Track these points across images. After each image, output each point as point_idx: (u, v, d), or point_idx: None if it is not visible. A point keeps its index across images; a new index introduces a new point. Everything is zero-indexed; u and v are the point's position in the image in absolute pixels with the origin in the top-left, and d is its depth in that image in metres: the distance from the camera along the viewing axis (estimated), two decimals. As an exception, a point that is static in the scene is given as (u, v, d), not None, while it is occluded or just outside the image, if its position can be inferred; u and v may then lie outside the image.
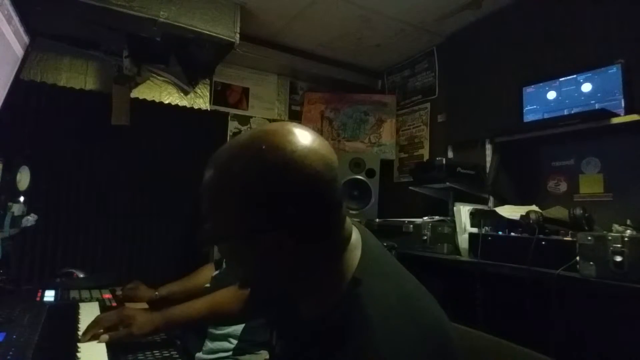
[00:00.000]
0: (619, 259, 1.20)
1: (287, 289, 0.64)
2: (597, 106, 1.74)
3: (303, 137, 0.56)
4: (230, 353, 1.32)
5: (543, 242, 1.46)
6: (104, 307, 1.26)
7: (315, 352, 0.57)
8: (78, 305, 1.23)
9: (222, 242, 0.62)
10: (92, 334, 0.90)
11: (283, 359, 0.71)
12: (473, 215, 1.90)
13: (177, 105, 2.47)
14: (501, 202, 2.06)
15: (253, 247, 0.57)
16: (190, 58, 2.34)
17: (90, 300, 1.33)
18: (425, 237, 1.94)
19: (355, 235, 0.64)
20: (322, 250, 0.59)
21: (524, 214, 1.60)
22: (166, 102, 2.43)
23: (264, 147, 0.54)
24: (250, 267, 0.61)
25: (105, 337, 0.90)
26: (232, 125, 2.79)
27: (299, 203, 0.54)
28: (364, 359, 0.50)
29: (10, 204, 1.47)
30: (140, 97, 2.34)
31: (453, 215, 1.98)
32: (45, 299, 1.27)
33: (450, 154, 2.56)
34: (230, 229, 0.57)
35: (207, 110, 2.60)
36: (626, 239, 1.21)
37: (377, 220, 2.38)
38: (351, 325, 0.53)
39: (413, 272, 0.66)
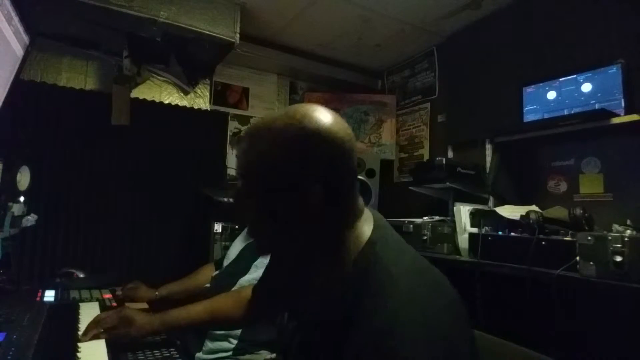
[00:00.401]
0: (619, 259, 1.20)
1: (309, 250, 0.67)
2: (597, 106, 1.74)
3: (327, 112, 0.64)
4: (230, 353, 1.32)
5: (543, 242, 1.46)
6: (104, 307, 1.26)
7: (339, 312, 0.58)
8: (78, 305, 1.23)
9: (255, 197, 0.65)
10: (92, 334, 0.91)
11: (301, 330, 0.72)
12: (473, 215, 1.89)
13: (177, 105, 2.47)
14: (501, 202, 2.05)
15: (280, 205, 0.62)
16: (190, 58, 2.34)
17: (90, 300, 1.33)
18: (425, 237, 1.94)
19: (367, 212, 0.69)
20: (341, 211, 0.64)
21: (524, 214, 1.60)
22: (166, 102, 2.43)
23: (298, 116, 0.62)
24: (276, 226, 0.65)
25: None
26: (232, 125, 2.79)
27: (328, 165, 0.61)
28: (387, 308, 0.53)
29: (10, 204, 1.47)
30: (140, 97, 2.34)
31: (453, 215, 1.98)
32: (45, 299, 1.27)
33: (450, 154, 2.56)
34: (268, 183, 0.62)
35: (207, 110, 2.60)
36: (626, 239, 1.21)
37: (377, 220, 2.37)
38: (371, 279, 0.57)
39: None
